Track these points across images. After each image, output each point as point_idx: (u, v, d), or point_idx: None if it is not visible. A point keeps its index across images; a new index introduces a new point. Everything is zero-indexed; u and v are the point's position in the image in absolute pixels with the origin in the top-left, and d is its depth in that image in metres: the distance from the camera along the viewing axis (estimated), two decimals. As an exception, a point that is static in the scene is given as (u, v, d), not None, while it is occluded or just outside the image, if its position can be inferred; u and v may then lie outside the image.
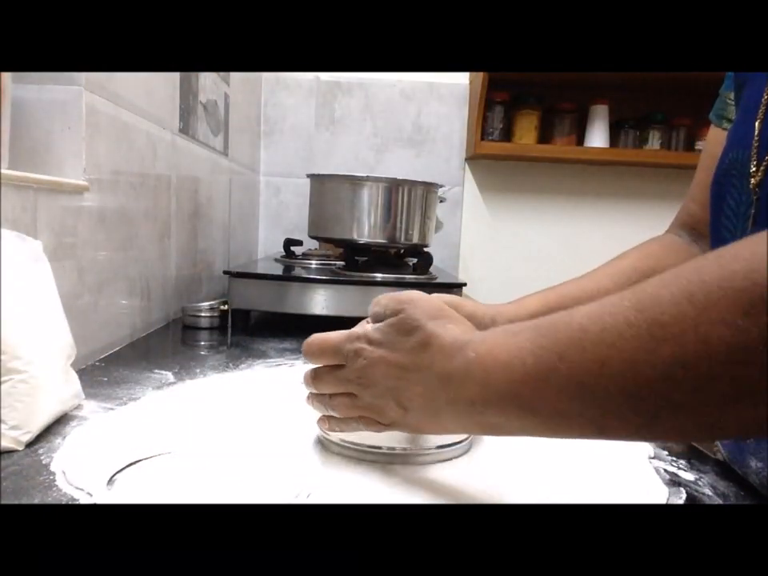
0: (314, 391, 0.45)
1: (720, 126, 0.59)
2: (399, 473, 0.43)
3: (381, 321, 0.41)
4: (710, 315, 0.26)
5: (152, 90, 0.86)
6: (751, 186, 0.46)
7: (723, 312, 0.26)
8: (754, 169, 0.45)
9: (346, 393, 0.42)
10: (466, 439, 0.47)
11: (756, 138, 0.45)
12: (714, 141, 0.58)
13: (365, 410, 0.42)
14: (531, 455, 0.48)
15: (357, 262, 1.10)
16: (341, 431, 0.45)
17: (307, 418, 0.54)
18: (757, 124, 0.46)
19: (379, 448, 0.44)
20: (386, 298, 0.42)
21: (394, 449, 0.44)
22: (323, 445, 0.47)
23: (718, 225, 0.51)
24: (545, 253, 1.79)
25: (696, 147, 1.68)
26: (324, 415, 0.45)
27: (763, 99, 0.46)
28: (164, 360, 0.73)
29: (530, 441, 0.51)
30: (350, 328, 0.44)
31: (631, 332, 0.28)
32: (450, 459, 0.46)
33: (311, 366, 0.45)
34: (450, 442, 0.45)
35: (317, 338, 0.44)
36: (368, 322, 0.43)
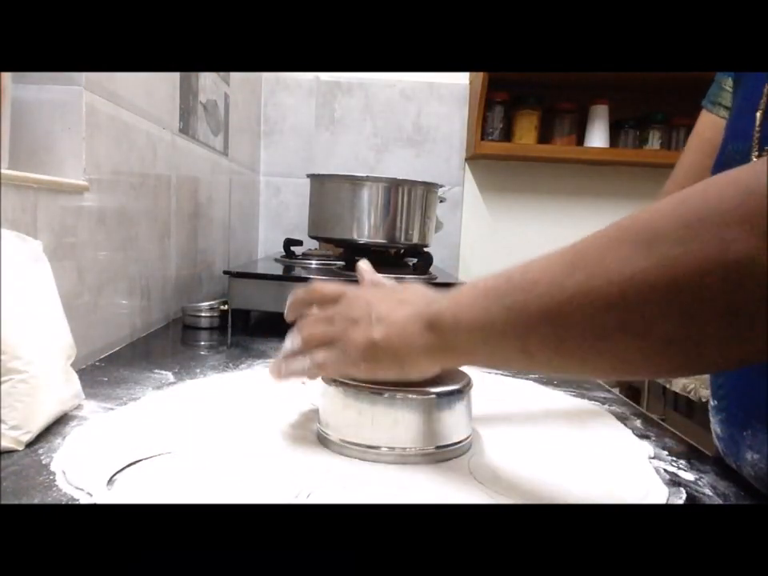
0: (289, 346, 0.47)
1: (713, 113, 0.58)
2: (399, 473, 0.43)
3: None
4: (613, 252, 0.30)
5: (152, 90, 0.86)
6: None
7: (621, 247, 0.30)
8: (755, 160, 0.45)
9: (324, 327, 0.45)
10: (466, 439, 0.47)
11: (757, 129, 0.45)
12: (705, 126, 0.58)
13: (333, 336, 0.44)
14: (531, 455, 0.48)
15: (357, 262, 1.10)
16: (288, 372, 0.46)
17: (307, 419, 0.54)
18: (758, 115, 0.45)
19: (378, 448, 0.44)
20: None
21: (393, 449, 0.44)
22: (323, 444, 0.47)
23: None
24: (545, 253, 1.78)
25: (696, 147, 1.67)
26: (277, 362, 0.47)
27: (765, 90, 0.45)
28: (164, 360, 0.73)
29: (529, 441, 0.51)
30: None
31: (558, 260, 0.34)
32: (450, 459, 0.46)
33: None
34: (449, 442, 0.45)
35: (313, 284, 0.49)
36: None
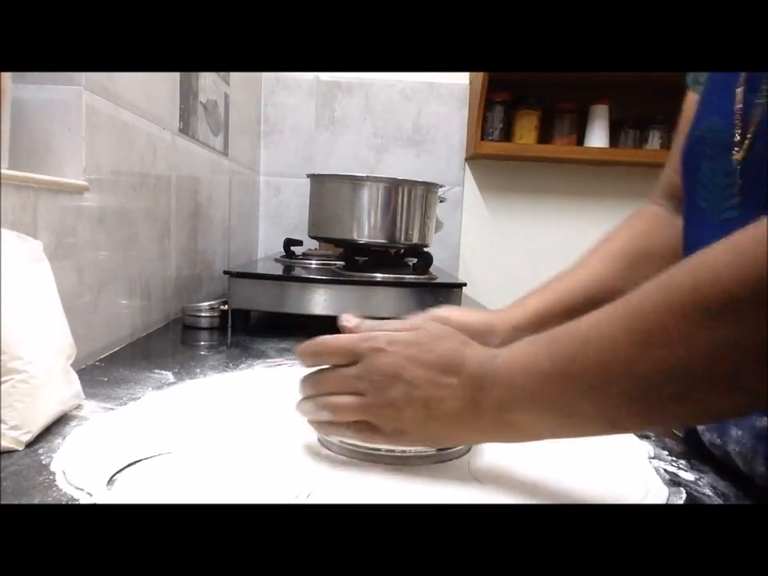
0: (312, 392, 0.43)
1: (695, 91, 0.57)
2: (399, 474, 0.43)
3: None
4: (686, 321, 0.30)
5: (152, 90, 0.86)
6: (734, 159, 0.44)
7: (696, 317, 0.30)
8: (738, 139, 0.44)
9: (351, 392, 0.41)
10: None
11: (740, 107, 0.44)
12: (691, 105, 0.56)
13: (367, 413, 0.40)
14: (531, 456, 0.48)
15: (357, 262, 1.10)
16: (326, 435, 0.44)
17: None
18: (739, 91, 0.44)
19: (379, 450, 0.44)
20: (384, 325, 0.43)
21: (393, 451, 0.44)
22: (324, 445, 0.47)
23: (692, 194, 0.50)
24: (545, 253, 1.79)
25: (696, 147, 1.67)
26: (313, 421, 0.44)
27: None
28: (164, 360, 0.73)
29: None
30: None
31: (624, 339, 0.32)
32: (449, 461, 0.46)
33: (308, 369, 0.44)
34: (449, 445, 0.45)
35: (324, 337, 0.42)
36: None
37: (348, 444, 0.45)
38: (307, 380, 0.44)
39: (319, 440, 0.48)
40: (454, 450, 0.46)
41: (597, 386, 0.34)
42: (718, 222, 0.47)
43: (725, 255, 0.30)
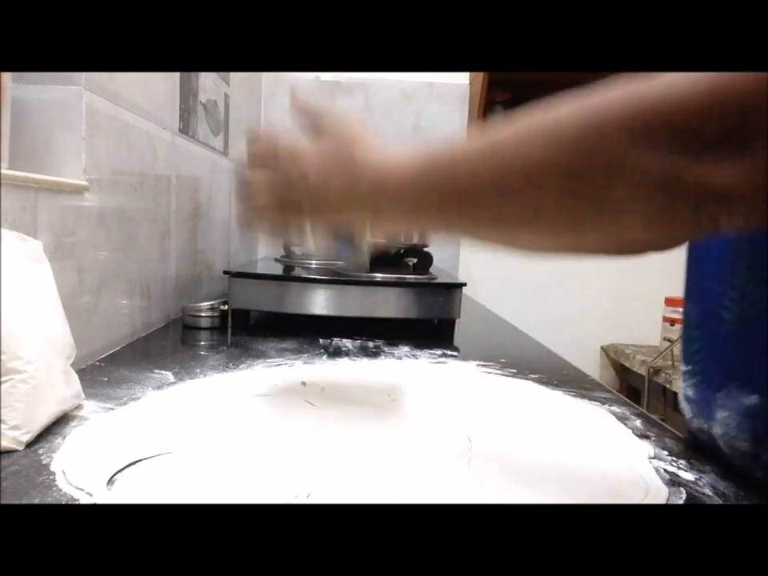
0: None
1: None
2: (398, 473, 0.43)
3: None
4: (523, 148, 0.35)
5: (152, 90, 0.86)
6: None
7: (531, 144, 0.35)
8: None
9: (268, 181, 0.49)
10: None
11: None
12: None
13: (274, 191, 0.48)
14: (531, 455, 0.48)
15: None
16: (255, 218, 0.52)
17: (307, 418, 0.54)
18: None
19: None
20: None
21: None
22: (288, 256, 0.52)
23: None
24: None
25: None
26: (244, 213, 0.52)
27: None
28: (164, 360, 0.73)
29: (529, 441, 0.51)
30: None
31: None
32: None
33: None
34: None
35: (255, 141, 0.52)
36: None
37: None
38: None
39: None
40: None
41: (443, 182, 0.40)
42: None
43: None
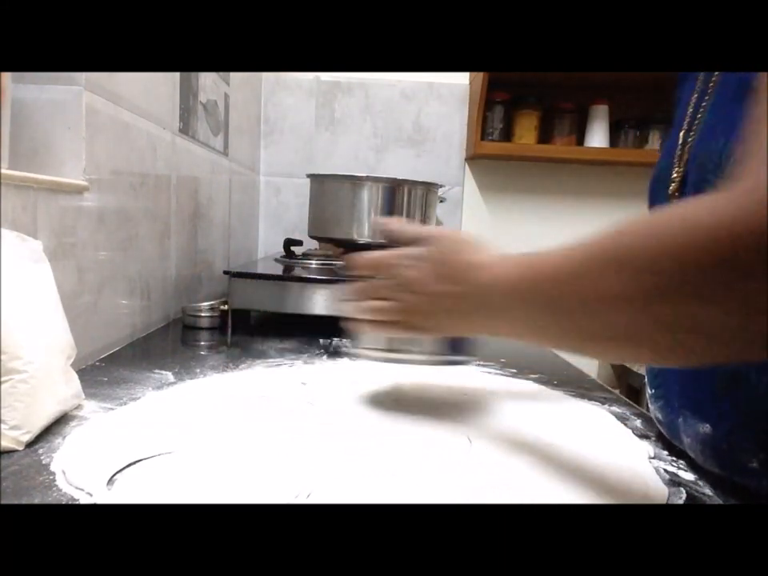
0: (358, 297, 0.52)
1: None
2: (399, 474, 0.43)
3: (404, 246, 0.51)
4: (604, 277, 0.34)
5: (152, 90, 0.86)
6: (669, 192, 0.49)
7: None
8: (674, 175, 0.49)
9: (386, 299, 0.50)
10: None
11: (679, 147, 0.49)
12: None
13: (393, 313, 0.49)
14: (531, 455, 0.48)
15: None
16: (372, 331, 0.53)
17: (307, 419, 0.54)
18: (681, 134, 0.49)
19: (401, 350, 0.53)
20: (407, 231, 0.52)
21: (412, 351, 0.53)
22: (359, 355, 0.56)
23: None
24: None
25: (696, 147, 1.68)
26: (359, 321, 0.52)
27: (688, 111, 0.49)
28: (164, 360, 0.73)
29: (529, 441, 0.51)
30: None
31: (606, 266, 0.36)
32: (457, 364, 0.54)
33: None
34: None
35: (367, 255, 0.53)
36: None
37: (370, 348, 0.55)
38: (356, 289, 0.53)
39: (353, 350, 0.57)
40: (460, 357, 0.54)
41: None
42: None
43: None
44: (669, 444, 0.53)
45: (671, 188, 0.49)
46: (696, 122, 0.48)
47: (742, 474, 0.43)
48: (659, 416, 0.53)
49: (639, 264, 0.33)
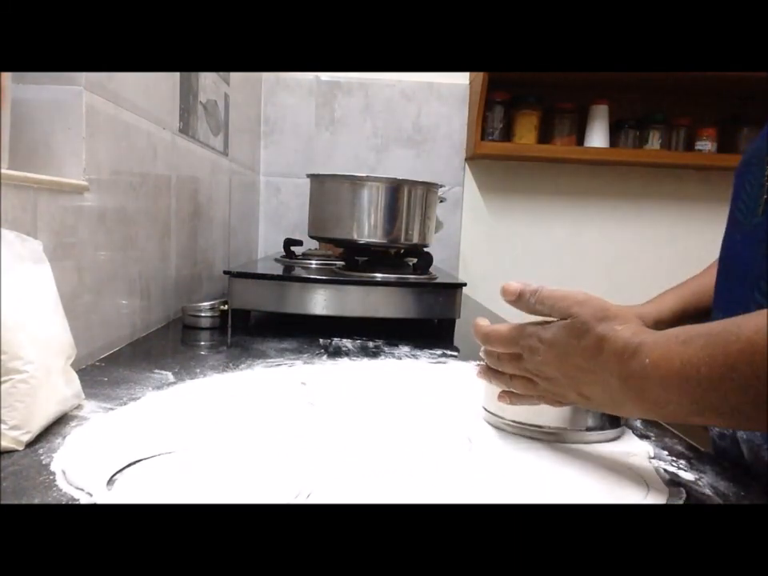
0: (493, 367, 0.50)
1: None
2: (399, 473, 0.43)
3: (544, 317, 0.46)
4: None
5: (152, 90, 0.86)
6: (766, 175, 0.48)
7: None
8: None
9: (525, 377, 0.48)
10: (621, 428, 0.53)
11: None
12: None
13: (544, 393, 0.47)
14: (531, 455, 0.48)
15: (357, 262, 1.10)
16: (520, 404, 0.50)
17: (306, 418, 0.54)
18: None
19: (541, 427, 0.50)
20: (549, 297, 0.46)
21: (550, 427, 0.50)
22: (490, 422, 0.54)
23: (734, 209, 0.54)
24: (545, 253, 1.79)
25: (696, 147, 1.68)
26: (503, 391, 0.50)
27: None
28: (164, 360, 0.73)
29: (529, 441, 0.51)
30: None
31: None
32: (601, 442, 0.51)
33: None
34: (600, 426, 0.51)
35: (491, 328, 0.49)
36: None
37: (516, 423, 0.52)
38: (490, 355, 0.50)
39: (486, 415, 0.54)
40: (604, 431, 0.51)
41: (756, 389, 0.35)
42: (749, 228, 0.51)
43: None
44: (669, 444, 0.53)
45: (766, 171, 0.48)
46: None
47: None
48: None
49: None
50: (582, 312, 0.43)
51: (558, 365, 0.44)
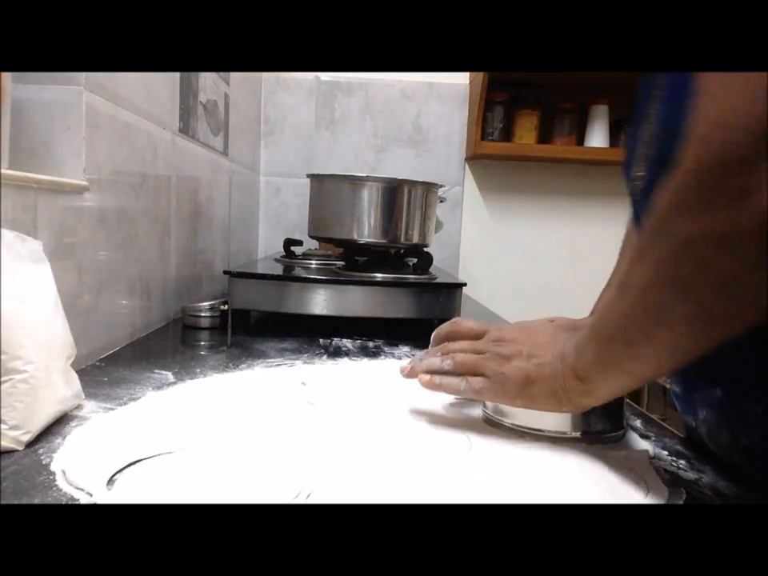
0: (439, 352, 0.54)
1: None
2: (399, 474, 0.43)
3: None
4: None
5: (152, 90, 0.86)
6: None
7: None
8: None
9: (473, 352, 0.51)
10: (623, 431, 0.52)
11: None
12: None
13: (480, 364, 0.50)
14: (531, 455, 0.48)
15: (357, 262, 1.10)
16: (440, 384, 0.52)
17: (306, 418, 0.54)
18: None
19: (541, 431, 0.50)
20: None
21: (550, 431, 0.50)
22: (489, 424, 0.53)
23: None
24: (545, 253, 1.79)
25: (696, 147, 1.67)
26: (426, 372, 0.53)
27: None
28: (164, 360, 0.73)
29: (529, 441, 0.51)
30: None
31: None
32: (600, 444, 0.50)
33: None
34: (610, 429, 0.51)
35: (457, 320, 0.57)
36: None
37: (516, 425, 0.51)
38: (439, 348, 0.55)
39: (486, 420, 0.54)
40: (610, 434, 0.51)
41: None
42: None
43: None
44: (669, 444, 0.53)
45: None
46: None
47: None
48: (677, 390, 0.53)
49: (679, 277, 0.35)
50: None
51: (517, 332, 0.51)
